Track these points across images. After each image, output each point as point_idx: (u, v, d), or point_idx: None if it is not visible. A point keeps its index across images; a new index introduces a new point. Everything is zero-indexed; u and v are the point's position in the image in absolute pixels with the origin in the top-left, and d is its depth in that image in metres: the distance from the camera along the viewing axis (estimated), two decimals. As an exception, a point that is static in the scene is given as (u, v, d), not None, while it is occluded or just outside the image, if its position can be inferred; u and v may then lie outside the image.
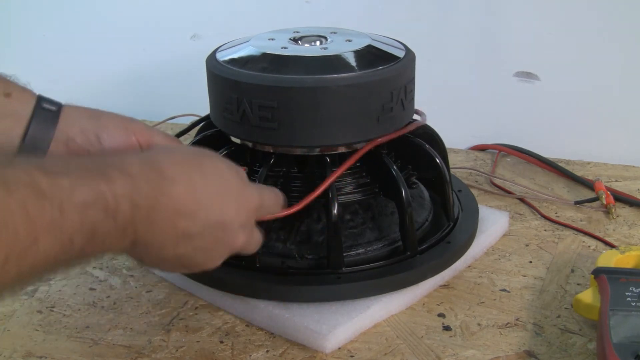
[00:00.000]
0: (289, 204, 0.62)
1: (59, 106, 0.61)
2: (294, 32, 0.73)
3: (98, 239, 0.47)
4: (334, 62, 0.66)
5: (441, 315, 0.66)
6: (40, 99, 0.61)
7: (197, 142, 0.74)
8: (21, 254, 0.42)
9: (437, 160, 0.72)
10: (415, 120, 0.73)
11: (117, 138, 0.62)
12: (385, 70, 0.66)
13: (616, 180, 0.92)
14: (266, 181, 0.67)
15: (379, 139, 0.67)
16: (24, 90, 0.61)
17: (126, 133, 0.62)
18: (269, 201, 0.60)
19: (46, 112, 0.60)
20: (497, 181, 0.93)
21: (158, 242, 0.51)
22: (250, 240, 0.57)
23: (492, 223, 0.78)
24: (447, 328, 0.64)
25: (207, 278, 0.67)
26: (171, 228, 0.50)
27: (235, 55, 0.69)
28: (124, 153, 0.52)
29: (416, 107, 0.73)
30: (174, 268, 0.56)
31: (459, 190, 0.81)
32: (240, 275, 0.65)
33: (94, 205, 0.46)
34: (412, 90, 0.70)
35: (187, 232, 0.51)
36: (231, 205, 0.54)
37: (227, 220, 0.54)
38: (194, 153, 0.56)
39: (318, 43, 0.71)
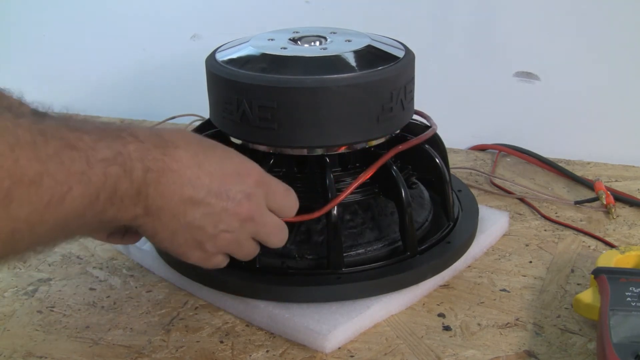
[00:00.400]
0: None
1: None
2: (294, 32, 0.73)
3: (117, 198, 0.49)
4: (334, 62, 0.66)
5: (441, 315, 0.66)
6: None
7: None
8: (60, 200, 0.45)
9: (437, 160, 0.72)
10: (429, 127, 0.74)
11: None
12: (385, 70, 0.66)
13: (616, 180, 0.92)
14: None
15: (400, 147, 0.68)
16: None
17: None
18: (276, 185, 0.60)
19: None
20: (497, 181, 0.93)
21: (169, 209, 0.53)
22: (260, 219, 0.57)
23: (492, 223, 0.78)
24: (447, 328, 0.64)
25: (207, 278, 0.67)
26: (179, 194, 0.53)
27: (235, 56, 0.69)
28: (132, 124, 0.54)
29: (416, 107, 0.73)
30: (186, 244, 0.56)
31: (459, 190, 0.81)
32: (240, 275, 0.65)
33: (114, 161, 0.49)
34: (412, 90, 0.70)
35: (193, 198, 0.53)
36: (232, 173, 0.56)
37: (229, 188, 0.55)
38: (193, 132, 0.58)
39: (318, 43, 0.71)
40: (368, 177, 0.66)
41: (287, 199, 0.60)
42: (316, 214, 0.64)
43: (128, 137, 0.51)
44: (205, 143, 0.57)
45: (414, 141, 0.70)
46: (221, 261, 0.59)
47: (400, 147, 0.68)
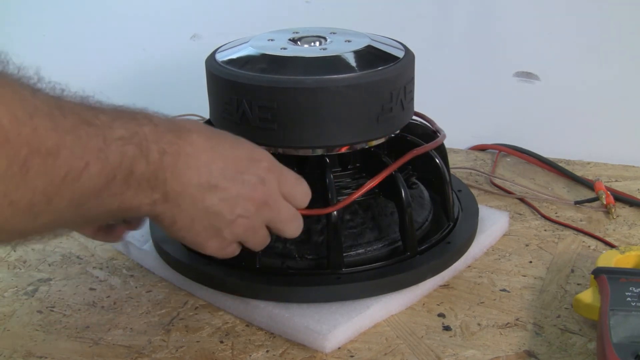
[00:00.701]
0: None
1: None
2: (294, 32, 0.73)
3: (134, 180, 0.49)
4: (334, 63, 0.66)
5: (441, 315, 0.66)
6: None
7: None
8: (76, 174, 0.45)
9: (437, 161, 0.72)
10: (429, 128, 0.74)
11: None
12: (385, 71, 0.66)
13: (616, 180, 0.92)
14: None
15: (415, 150, 0.68)
16: None
17: None
18: (288, 173, 0.59)
19: None
20: (497, 181, 0.93)
21: (187, 194, 0.52)
22: (274, 205, 0.57)
23: (492, 223, 0.78)
24: (447, 328, 0.64)
25: (207, 278, 0.67)
26: (196, 178, 0.53)
27: (235, 56, 0.69)
28: (144, 109, 0.54)
29: (416, 107, 0.73)
30: (205, 232, 0.55)
31: (459, 190, 0.81)
32: (240, 275, 0.65)
33: (130, 141, 0.48)
34: (412, 91, 0.71)
35: (210, 183, 0.53)
36: (244, 158, 0.56)
37: (243, 172, 0.55)
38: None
39: (317, 43, 0.71)
40: (384, 177, 0.65)
41: (299, 187, 0.60)
42: (331, 209, 0.63)
43: (142, 119, 0.50)
44: (216, 130, 0.57)
45: (429, 146, 0.70)
46: (235, 249, 0.59)
47: (415, 152, 0.68)
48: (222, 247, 0.57)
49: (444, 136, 0.73)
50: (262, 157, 0.57)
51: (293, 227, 0.60)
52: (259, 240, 0.59)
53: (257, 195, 0.56)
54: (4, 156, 0.41)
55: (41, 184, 0.43)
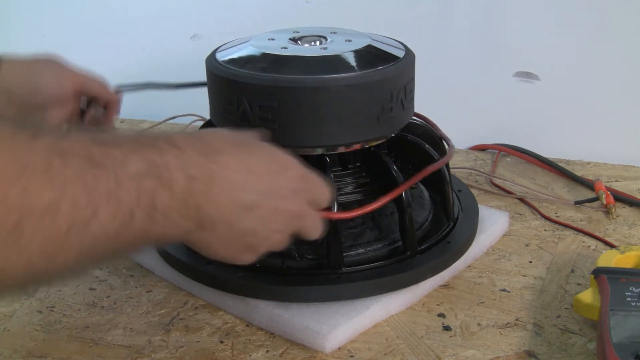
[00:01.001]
0: None
1: None
2: (294, 32, 0.73)
3: (159, 214, 0.46)
4: (334, 62, 0.66)
5: (441, 315, 0.66)
6: None
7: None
8: (83, 225, 0.42)
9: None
10: (429, 128, 0.75)
11: (53, 87, 0.69)
12: (385, 70, 0.66)
13: (616, 180, 0.92)
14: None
15: (430, 167, 0.68)
16: None
17: (59, 81, 0.69)
18: (317, 179, 0.57)
19: None
20: (497, 181, 0.93)
21: (224, 218, 0.50)
22: (306, 214, 0.56)
23: (492, 223, 0.78)
24: (447, 328, 0.64)
25: (207, 278, 0.67)
26: (231, 200, 0.50)
27: (235, 55, 0.69)
28: (168, 131, 0.52)
29: (416, 107, 0.73)
30: (240, 250, 0.54)
31: (459, 190, 0.81)
32: (240, 275, 0.65)
33: (148, 174, 0.45)
34: (412, 90, 0.70)
35: (246, 203, 0.51)
36: (277, 171, 0.54)
37: (278, 186, 0.53)
38: (233, 131, 0.56)
39: (318, 43, 0.71)
40: (399, 193, 0.65)
41: (325, 191, 0.58)
42: (345, 215, 0.63)
43: (164, 145, 0.47)
44: (244, 140, 0.54)
45: (443, 162, 0.71)
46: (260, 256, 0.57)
47: (430, 169, 0.68)
48: (255, 258, 0.56)
49: (453, 147, 0.73)
50: (291, 165, 0.55)
51: (319, 231, 0.58)
52: (283, 245, 0.57)
53: (290, 207, 0.54)
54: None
55: (37, 245, 0.40)
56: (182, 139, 0.49)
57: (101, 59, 1.22)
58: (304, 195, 0.56)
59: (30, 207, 0.39)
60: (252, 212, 0.52)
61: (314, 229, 0.58)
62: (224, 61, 0.68)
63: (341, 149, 0.68)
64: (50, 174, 0.40)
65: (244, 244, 0.53)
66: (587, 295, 0.63)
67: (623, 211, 0.85)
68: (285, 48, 0.69)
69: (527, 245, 0.77)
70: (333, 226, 0.64)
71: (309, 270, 0.67)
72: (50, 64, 0.72)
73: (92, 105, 0.80)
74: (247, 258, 0.55)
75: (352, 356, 0.61)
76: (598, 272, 0.64)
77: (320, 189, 0.58)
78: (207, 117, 0.73)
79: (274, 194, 0.53)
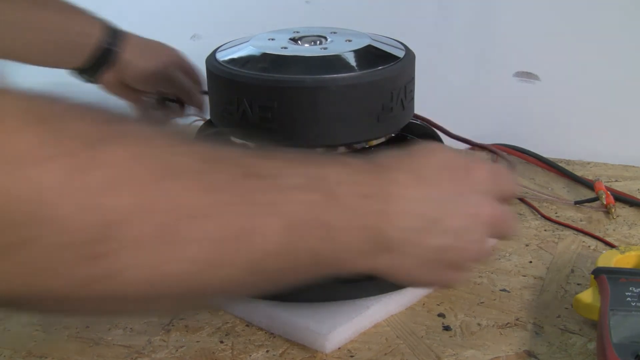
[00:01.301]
0: None
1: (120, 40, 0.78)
2: (294, 32, 0.73)
3: (328, 231, 0.42)
4: (334, 62, 0.66)
5: (441, 315, 0.66)
6: (106, 34, 0.78)
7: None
8: (249, 234, 0.39)
9: (437, 160, 0.72)
10: (431, 130, 0.75)
11: (171, 74, 0.76)
12: (385, 70, 0.66)
13: (616, 180, 0.92)
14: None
15: None
16: (99, 25, 0.78)
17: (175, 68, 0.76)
18: (498, 169, 0.52)
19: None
20: (497, 181, 0.92)
21: (410, 238, 0.46)
22: (501, 214, 0.50)
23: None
24: (447, 328, 0.64)
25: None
26: (413, 218, 0.46)
27: (235, 55, 0.69)
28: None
29: (416, 107, 0.73)
30: (439, 269, 0.48)
31: (459, 190, 0.81)
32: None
33: (309, 187, 0.41)
34: (412, 90, 0.71)
35: (429, 219, 0.46)
36: (461, 176, 0.49)
37: (464, 192, 0.48)
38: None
39: (318, 43, 0.71)
40: None
41: (513, 182, 0.53)
42: None
43: (324, 160, 0.45)
44: (409, 154, 0.49)
45: None
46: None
47: None
48: (460, 276, 0.51)
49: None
50: (474, 165, 0.50)
51: (513, 228, 0.52)
52: (486, 255, 0.52)
53: (483, 211, 0.49)
54: (140, 225, 0.35)
55: (198, 252, 0.37)
56: (344, 157, 0.45)
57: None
58: (493, 194, 0.50)
59: (185, 209, 0.37)
60: (441, 226, 0.47)
61: (510, 227, 0.52)
62: (224, 61, 0.68)
63: (341, 149, 0.68)
64: (204, 179, 0.38)
65: (441, 263, 0.48)
66: (587, 295, 0.63)
67: (623, 211, 0.85)
68: (285, 48, 0.69)
69: (527, 245, 0.77)
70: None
71: (309, 270, 0.67)
72: (171, 51, 0.81)
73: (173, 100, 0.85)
74: (451, 277, 0.50)
75: (352, 356, 0.61)
76: (598, 272, 0.64)
77: (507, 180, 0.52)
78: (208, 117, 0.73)
79: (462, 202, 0.48)
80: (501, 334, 0.63)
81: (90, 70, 0.82)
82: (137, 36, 0.83)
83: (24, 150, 0.32)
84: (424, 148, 0.50)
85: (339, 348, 0.62)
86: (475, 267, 0.52)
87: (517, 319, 0.65)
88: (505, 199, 0.51)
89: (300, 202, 0.41)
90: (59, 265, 0.34)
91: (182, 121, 1.06)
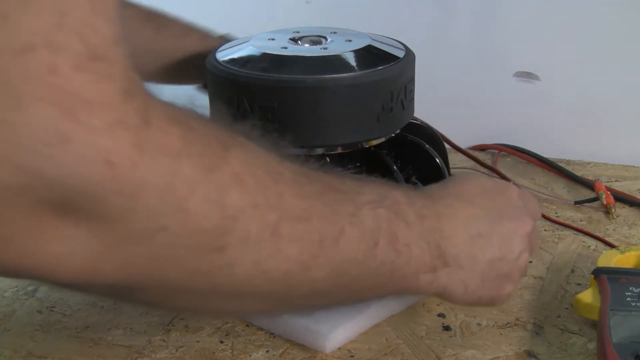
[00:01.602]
0: None
1: None
2: (294, 32, 0.73)
3: (401, 245, 0.47)
4: (334, 62, 0.66)
5: (441, 315, 0.66)
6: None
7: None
8: (332, 241, 0.43)
9: (437, 160, 0.72)
10: (430, 128, 0.75)
11: None
12: (385, 70, 0.66)
13: (616, 180, 0.92)
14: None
15: None
16: (219, 40, 0.79)
17: None
18: (528, 195, 0.59)
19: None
20: (497, 181, 0.92)
21: (465, 251, 0.51)
22: (535, 230, 0.56)
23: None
24: (447, 328, 0.64)
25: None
26: (465, 234, 0.51)
27: (236, 55, 0.69)
28: None
29: (416, 107, 0.73)
30: (499, 285, 0.54)
31: (459, 190, 0.81)
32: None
33: (381, 204, 0.46)
34: (412, 90, 0.71)
35: (481, 233, 0.52)
36: (498, 197, 0.55)
37: (504, 208, 0.54)
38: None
39: (318, 43, 0.71)
40: None
41: (537, 205, 0.60)
42: None
43: (389, 185, 0.50)
44: (449, 182, 0.57)
45: None
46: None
47: None
48: (514, 287, 0.56)
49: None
50: (505, 187, 0.57)
51: (539, 243, 0.61)
52: (526, 267, 0.57)
53: (522, 226, 0.55)
54: (253, 221, 0.39)
55: (295, 251, 0.41)
56: (395, 183, 0.52)
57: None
58: (527, 212, 0.56)
59: (287, 210, 0.41)
60: (489, 239, 0.52)
61: (538, 244, 0.59)
62: (224, 61, 0.68)
63: (341, 149, 0.68)
64: (300, 187, 0.43)
65: (497, 275, 0.53)
66: (587, 295, 0.63)
67: (623, 211, 0.85)
68: (285, 48, 0.69)
69: (527, 245, 0.77)
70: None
71: (309, 270, 0.67)
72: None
73: None
74: (508, 289, 0.55)
75: (352, 356, 0.61)
76: (598, 272, 0.64)
77: (534, 203, 0.59)
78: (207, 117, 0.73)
79: (506, 217, 0.54)
80: (501, 334, 0.63)
81: None
82: None
83: (168, 147, 0.36)
84: (460, 177, 0.58)
85: (339, 348, 0.62)
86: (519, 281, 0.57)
87: (517, 319, 0.65)
88: (533, 219, 0.57)
89: (376, 216, 0.45)
90: (183, 255, 0.37)
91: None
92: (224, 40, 0.79)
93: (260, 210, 0.39)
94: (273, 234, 0.40)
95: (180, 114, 0.38)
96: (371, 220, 0.45)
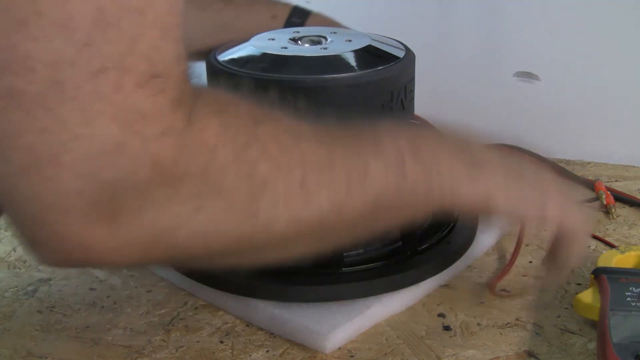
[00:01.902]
0: None
1: (305, 18, 0.82)
2: (294, 32, 0.73)
3: (434, 163, 0.50)
4: (334, 62, 0.66)
5: (441, 315, 0.66)
6: (292, 14, 0.84)
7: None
8: (363, 175, 0.46)
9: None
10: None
11: None
12: (385, 70, 0.66)
13: (616, 180, 0.92)
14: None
15: None
16: (285, 7, 0.83)
17: None
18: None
19: (292, 24, 0.83)
20: (497, 181, 0.92)
21: (498, 159, 0.55)
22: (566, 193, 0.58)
23: (493, 223, 0.78)
24: (447, 328, 0.64)
25: (207, 278, 0.67)
26: (498, 159, 0.55)
27: (235, 55, 0.69)
28: None
29: (416, 107, 0.73)
30: (537, 198, 0.56)
31: (459, 190, 0.81)
32: (241, 275, 0.65)
33: (400, 132, 0.51)
34: (412, 90, 0.71)
35: (513, 165, 0.56)
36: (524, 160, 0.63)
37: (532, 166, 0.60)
38: None
39: (318, 43, 0.71)
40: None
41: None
42: None
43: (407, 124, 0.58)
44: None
45: None
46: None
47: None
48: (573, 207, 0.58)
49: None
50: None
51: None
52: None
53: (552, 181, 0.58)
54: (280, 182, 0.43)
55: (325, 197, 0.45)
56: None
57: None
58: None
59: (310, 163, 0.44)
60: (520, 168, 0.56)
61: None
62: (224, 61, 0.68)
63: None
64: (318, 138, 0.46)
65: (535, 190, 0.55)
66: (587, 295, 0.63)
67: (623, 211, 0.85)
68: (285, 48, 0.69)
69: (527, 246, 0.77)
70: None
71: (309, 269, 0.67)
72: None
73: None
74: (552, 207, 0.56)
75: (352, 356, 0.61)
76: (598, 272, 0.64)
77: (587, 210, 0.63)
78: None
79: (537, 170, 0.59)
80: (501, 334, 0.63)
81: None
82: (322, 15, 0.89)
83: (206, 141, 0.40)
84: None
85: (339, 348, 0.62)
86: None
87: (517, 319, 0.65)
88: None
89: (396, 142, 0.48)
90: (222, 227, 0.42)
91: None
92: (293, 6, 0.83)
93: (284, 171, 0.43)
94: (301, 188, 0.44)
95: (220, 102, 0.43)
96: (392, 147, 0.48)
